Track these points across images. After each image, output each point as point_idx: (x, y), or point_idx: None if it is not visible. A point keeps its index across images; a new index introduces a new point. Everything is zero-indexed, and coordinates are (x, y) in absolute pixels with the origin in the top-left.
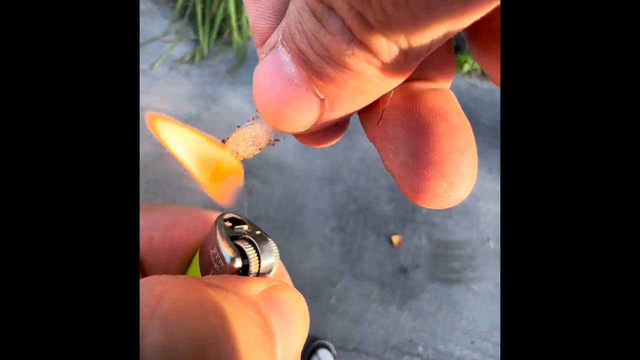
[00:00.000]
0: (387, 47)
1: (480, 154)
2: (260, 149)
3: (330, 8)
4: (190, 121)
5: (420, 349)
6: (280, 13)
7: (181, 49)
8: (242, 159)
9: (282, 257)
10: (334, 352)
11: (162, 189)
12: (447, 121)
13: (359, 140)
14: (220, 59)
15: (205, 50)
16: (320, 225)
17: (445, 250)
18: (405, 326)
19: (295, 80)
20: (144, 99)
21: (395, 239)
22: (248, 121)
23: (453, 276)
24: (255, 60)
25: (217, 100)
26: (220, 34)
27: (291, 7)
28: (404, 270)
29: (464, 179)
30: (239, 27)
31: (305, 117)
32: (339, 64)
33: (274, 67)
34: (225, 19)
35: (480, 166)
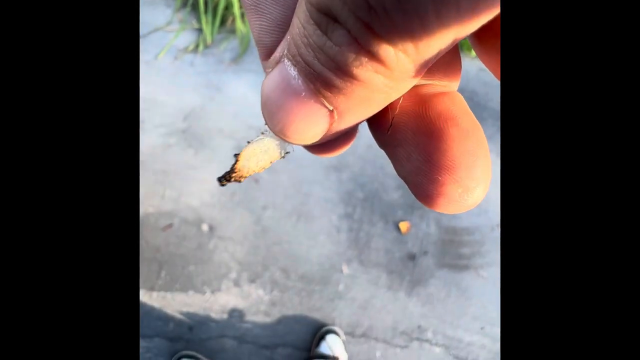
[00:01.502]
0: (395, 55)
1: (490, 138)
2: (271, 162)
3: (336, 20)
4: (196, 111)
5: (430, 335)
6: (284, 27)
7: (185, 39)
8: (253, 173)
9: (290, 244)
10: (343, 337)
11: (169, 179)
12: (458, 125)
13: (365, 127)
14: (224, 47)
15: (209, 39)
16: (327, 212)
17: (454, 237)
18: (414, 312)
19: (303, 93)
20: (149, 90)
21: (403, 225)
22: (258, 136)
23: (462, 262)
24: None
25: (222, 89)
26: (223, 22)
27: (295, 21)
28: (412, 257)
29: (478, 183)
30: (242, 15)
31: (315, 128)
32: (346, 75)
33: (280, 81)
34: (228, 7)
35: (490, 150)
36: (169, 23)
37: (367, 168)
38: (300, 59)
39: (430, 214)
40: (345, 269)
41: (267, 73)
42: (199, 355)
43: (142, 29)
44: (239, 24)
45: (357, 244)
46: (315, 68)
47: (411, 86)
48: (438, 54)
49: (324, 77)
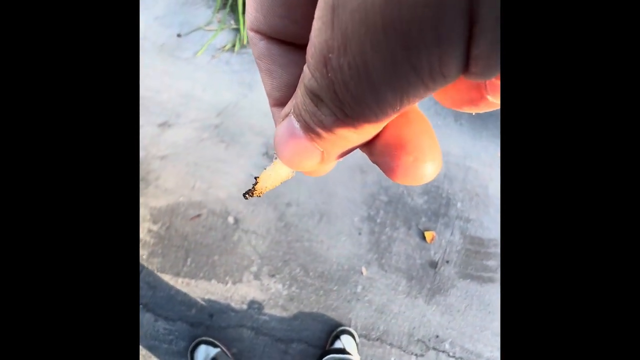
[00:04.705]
0: (359, 124)
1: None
2: (280, 182)
3: (321, 100)
4: (229, 108)
5: (447, 346)
6: (290, 87)
7: (222, 38)
8: (267, 190)
9: (311, 243)
10: (357, 339)
11: (200, 171)
12: (407, 117)
13: None
14: None
15: (245, 39)
16: (349, 214)
17: (479, 248)
18: (432, 321)
19: (302, 139)
20: (187, 86)
21: (429, 235)
22: (271, 162)
23: (487, 275)
24: None
25: (254, 88)
26: None
27: (297, 92)
28: (433, 265)
29: (425, 154)
30: None
31: (310, 162)
32: (330, 132)
33: (288, 129)
34: None
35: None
36: (208, 23)
37: None
38: (301, 118)
39: (456, 222)
40: (365, 272)
41: (277, 122)
42: (218, 342)
43: (183, 28)
44: None
45: (377, 247)
46: (310, 125)
47: (377, 132)
48: (390, 118)
49: (316, 131)
